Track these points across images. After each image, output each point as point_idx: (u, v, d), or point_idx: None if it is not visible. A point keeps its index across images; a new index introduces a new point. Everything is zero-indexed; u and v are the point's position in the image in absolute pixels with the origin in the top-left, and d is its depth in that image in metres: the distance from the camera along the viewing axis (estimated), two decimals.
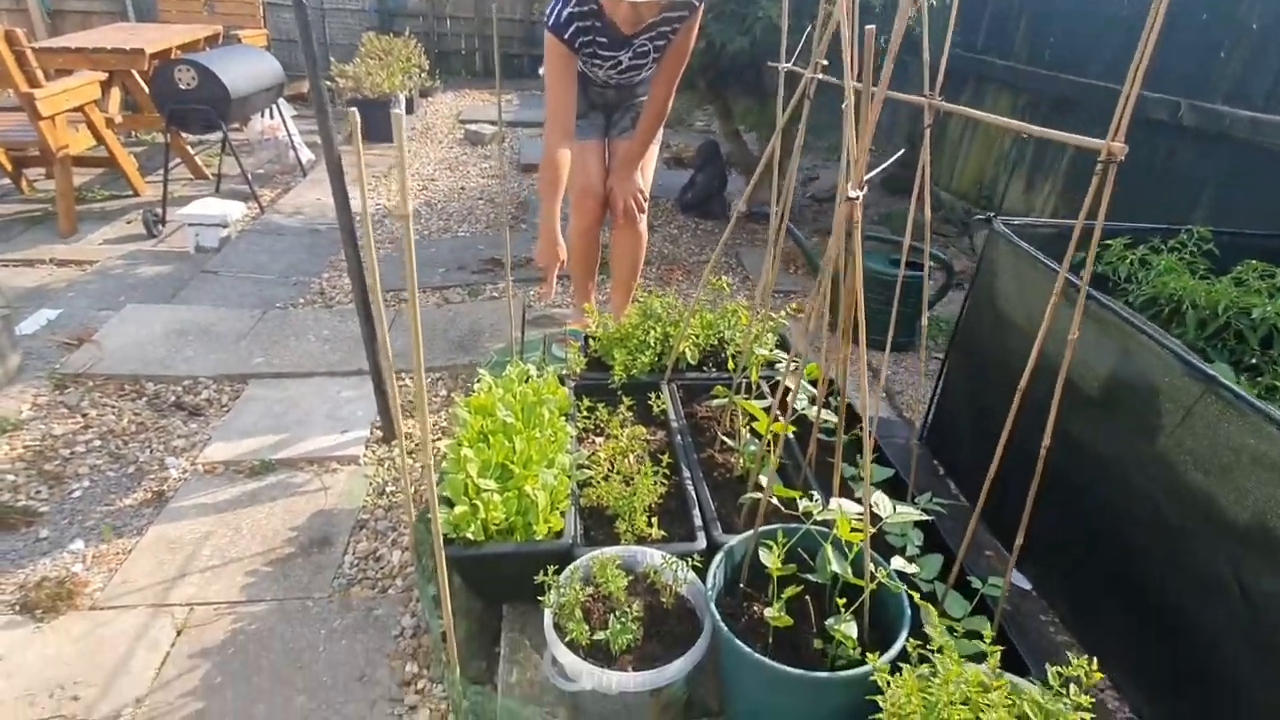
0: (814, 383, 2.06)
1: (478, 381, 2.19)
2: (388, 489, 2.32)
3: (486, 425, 1.93)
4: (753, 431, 1.96)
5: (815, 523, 1.56)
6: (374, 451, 2.48)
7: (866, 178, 1.18)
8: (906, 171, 5.40)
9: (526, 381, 2.17)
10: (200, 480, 2.32)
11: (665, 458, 1.92)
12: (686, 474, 1.92)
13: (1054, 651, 1.76)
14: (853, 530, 1.42)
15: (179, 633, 1.79)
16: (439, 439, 2.54)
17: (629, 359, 2.29)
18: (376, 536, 2.13)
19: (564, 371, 2.31)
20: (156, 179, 4.66)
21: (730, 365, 2.30)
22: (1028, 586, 1.99)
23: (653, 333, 2.33)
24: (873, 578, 1.41)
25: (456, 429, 1.91)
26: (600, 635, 1.42)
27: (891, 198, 5.34)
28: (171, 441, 2.50)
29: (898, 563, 1.44)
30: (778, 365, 2.15)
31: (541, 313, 3.38)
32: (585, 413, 2.15)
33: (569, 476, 1.82)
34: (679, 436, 2.07)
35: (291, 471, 2.37)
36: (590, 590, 1.51)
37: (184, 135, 5.01)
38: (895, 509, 1.56)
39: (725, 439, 2.08)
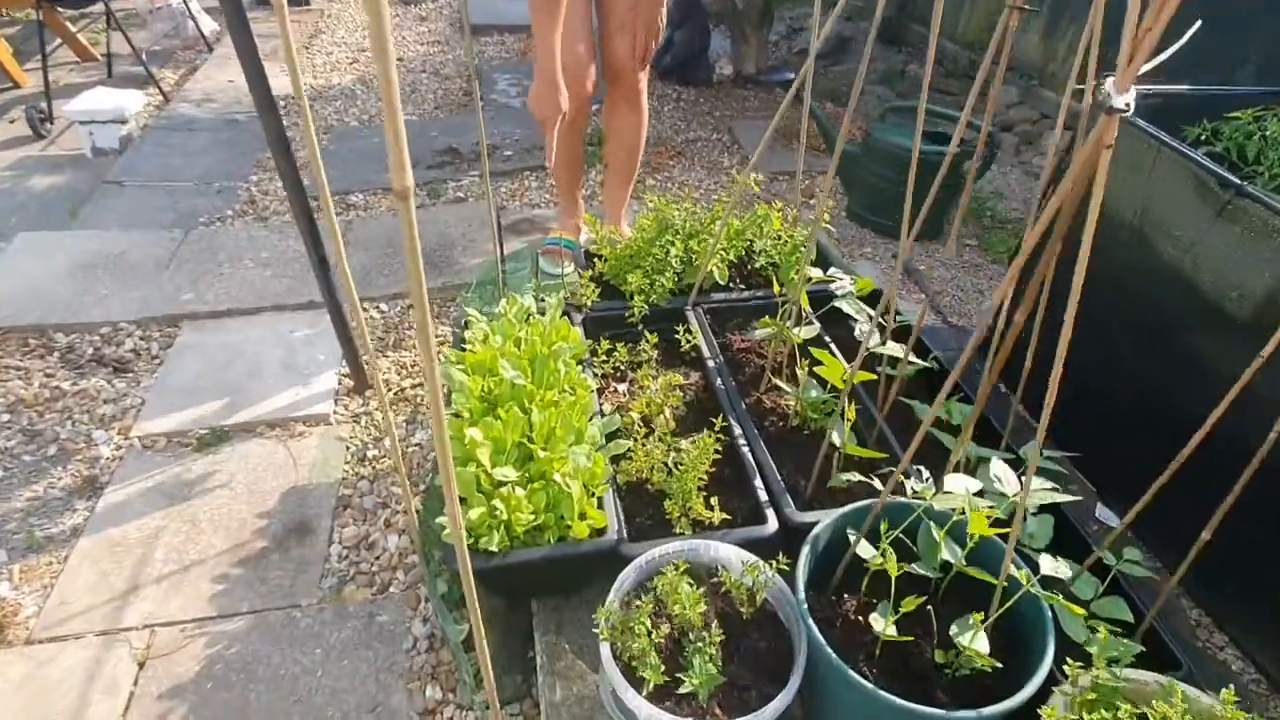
0: (864, 299, 1.72)
1: (465, 321, 1.79)
2: (369, 453, 1.96)
3: (491, 388, 1.56)
4: (813, 372, 1.63)
5: (915, 496, 1.27)
6: (346, 406, 2.10)
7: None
8: (899, 14, 4.81)
9: (528, 321, 1.78)
10: (139, 458, 1.92)
11: (707, 403, 1.59)
12: (736, 429, 1.60)
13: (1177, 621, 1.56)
14: (991, 524, 1.12)
15: (141, 666, 1.47)
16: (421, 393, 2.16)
17: (646, 283, 1.90)
18: (365, 517, 1.80)
19: (568, 299, 1.92)
20: (35, 66, 3.86)
21: (774, 285, 1.93)
22: (1115, 523, 1.77)
23: (673, 249, 1.93)
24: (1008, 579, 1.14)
25: (455, 396, 1.54)
26: (683, 679, 1.13)
27: (882, 49, 4.77)
28: (97, 409, 2.07)
29: (1046, 564, 1.17)
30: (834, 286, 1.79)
31: (520, 215, 2.91)
32: (603, 355, 1.78)
33: (602, 451, 1.48)
34: (718, 379, 1.73)
35: (250, 439, 1.98)
36: (651, 603, 1.21)
37: (59, 9, 4.13)
38: (1026, 483, 1.27)
39: (774, 379, 1.75)
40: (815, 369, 1.58)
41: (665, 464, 1.50)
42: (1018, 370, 1.52)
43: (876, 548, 1.23)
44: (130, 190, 3.18)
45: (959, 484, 1.23)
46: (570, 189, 2.42)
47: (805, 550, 1.27)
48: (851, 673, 1.12)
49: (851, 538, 1.28)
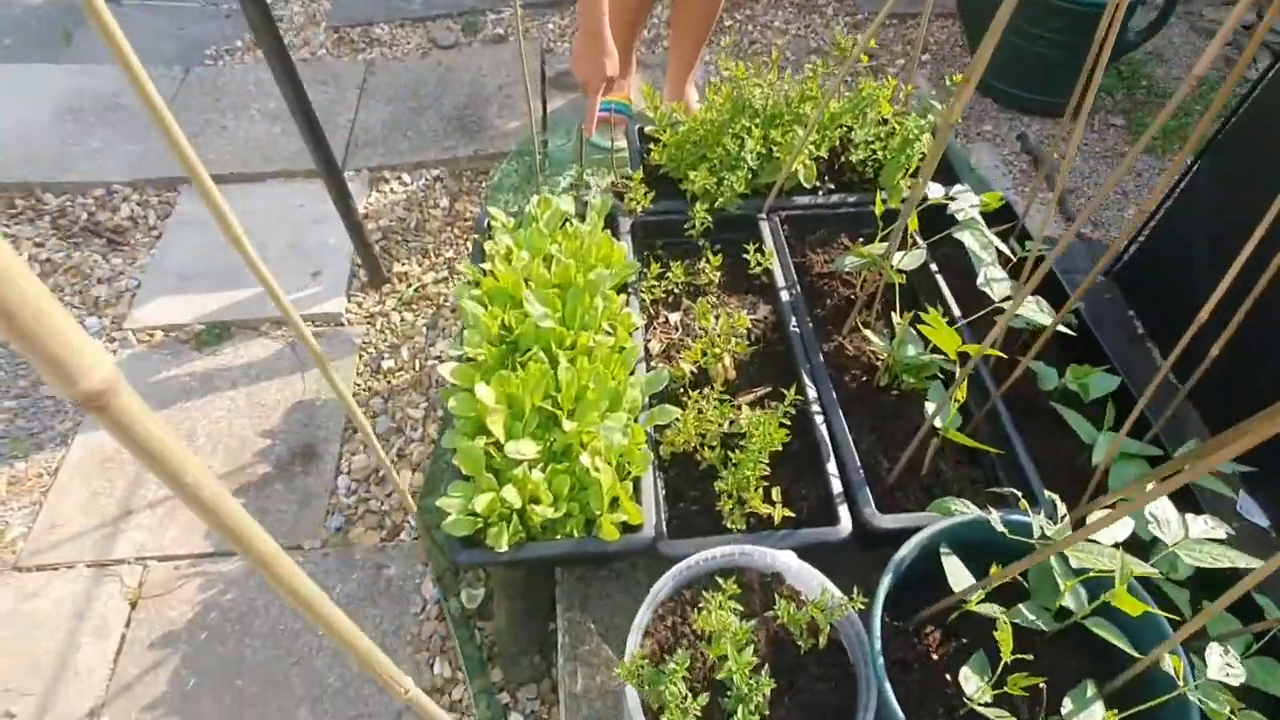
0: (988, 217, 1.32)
1: (486, 224, 1.47)
2: (384, 362, 1.73)
3: (512, 323, 1.27)
4: (918, 320, 1.28)
5: (1042, 539, 0.97)
6: (360, 304, 1.84)
7: None
8: None
9: (563, 227, 1.44)
10: (134, 356, 1.73)
11: (777, 346, 1.27)
12: (811, 390, 1.29)
13: None
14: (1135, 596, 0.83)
15: (133, 606, 1.36)
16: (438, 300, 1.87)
17: (712, 183, 1.51)
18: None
19: (614, 190, 1.56)
20: None
21: (874, 191, 1.52)
22: (1264, 523, 1.45)
23: (749, 140, 1.51)
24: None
25: (468, 334, 1.25)
26: None
27: None
28: (90, 289, 1.86)
29: (1215, 662, 0.87)
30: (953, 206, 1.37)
31: (566, 69, 2.43)
32: (653, 279, 1.45)
33: (644, 418, 1.20)
34: (793, 318, 1.40)
35: (254, 338, 1.76)
36: (685, 661, 0.98)
37: None
38: (1192, 525, 0.95)
39: (862, 322, 1.41)
40: (918, 324, 1.23)
41: (719, 434, 1.22)
42: (1177, 318, 1.15)
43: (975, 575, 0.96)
44: (129, 11, 2.78)
45: (1105, 530, 0.93)
46: (627, 43, 1.95)
47: (885, 579, 1.01)
48: None
49: (948, 568, 1.01)
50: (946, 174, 1.68)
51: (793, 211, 1.59)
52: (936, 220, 1.34)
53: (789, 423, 1.21)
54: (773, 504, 1.14)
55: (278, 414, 1.62)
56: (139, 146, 2.17)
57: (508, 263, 1.35)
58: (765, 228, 1.54)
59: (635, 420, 1.18)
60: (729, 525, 1.15)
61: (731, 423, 1.23)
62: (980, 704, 0.92)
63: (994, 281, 1.23)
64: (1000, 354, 1.19)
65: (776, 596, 1.02)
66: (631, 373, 1.25)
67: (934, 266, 1.47)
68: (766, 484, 1.16)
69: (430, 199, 2.08)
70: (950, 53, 2.54)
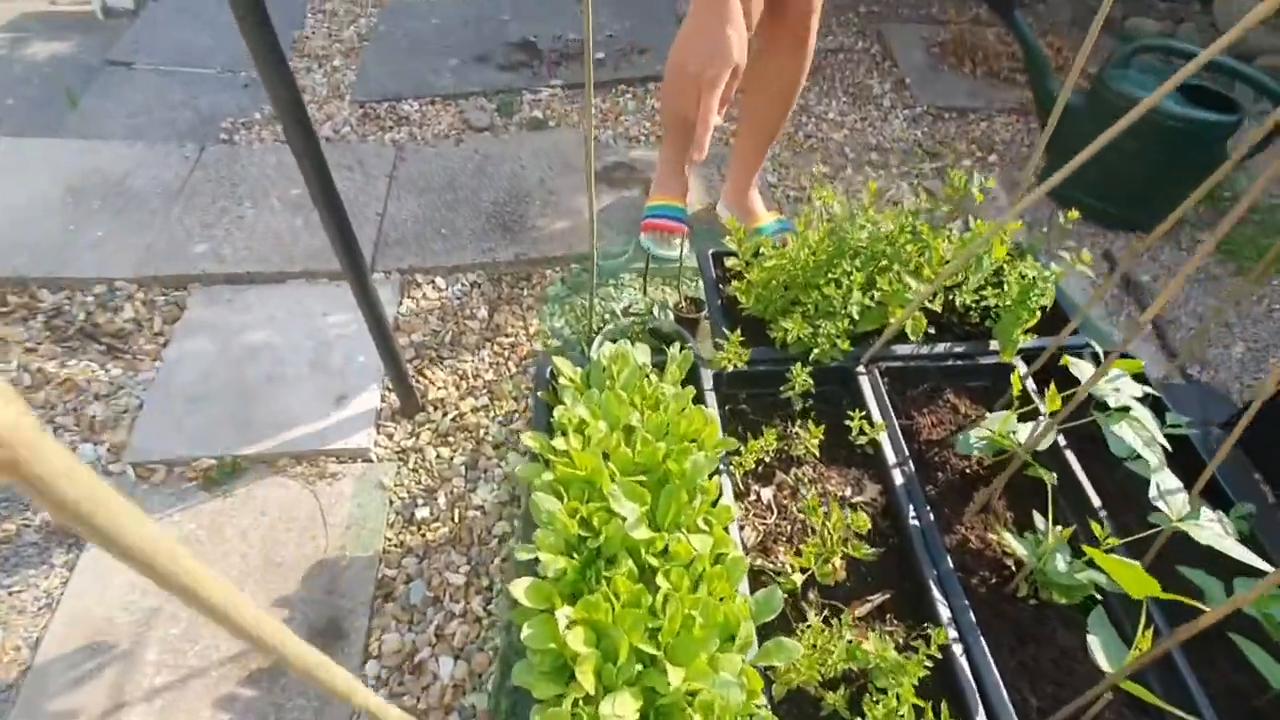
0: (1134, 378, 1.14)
1: (550, 372, 1.28)
2: (418, 511, 1.52)
3: (593, 521, 1.07)
4: (1081, 536, 1.08)
5: None
6: (390, 436, 1.64)
7: None
8: None
9: (645, 382, 1.25)
10: (132, 493, 1.51)
11: (889, 535, 1.08)
12: (941, 605, 1.09)
13: None
14: None
15: None
16: (481, 438, 1.67)
17: (807, 333, 1.33)
18: (411, 618, 1.38)
19: (678, 315, 1.37)
20: None
21: (987, 345, 1.35)
22: None
23: (852, 290, 1.34)
24: None
25: (540, 534, 1.05)
26: None
27: None
28: (86, 408, 1.65)
29: None
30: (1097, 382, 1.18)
31: (615, 156, 2.27)
32: (752, 453, 1.26)
33: (756, 657, 1.00)
34: (910, 506, 1.20)
35: (269, 476, 1.55)
36: None
37: None
38: None
39: (992, 517, 1.22)
40: (1090, 557, 1.04)
41: (842, 669, 1.01)
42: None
43: None
44: (141, 76, 2.61)
45: None
46: (683, 152, 1.79)
47: None
48: None
49: None
50: (1055, 315, 1.51)
51: (893, 363, 1.41)
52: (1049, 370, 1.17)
53: (912, 623, 1.01)
54: None
55: (296, 576, 1.41)
56: (147, 237, 1.97)
57: (582, 437, 1.16)
58: (865, 384, 1.36)
59: (748, 662, 0.98)
60: None
61: (854, 657, 1.02)
62: None
63: (1168, 495, 1.04)
64: (1178, 599, 0.99)
65: None
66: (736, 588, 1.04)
67: (1061, 439, 1.29)
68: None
69: (467, 308, 1.89)
70: (1018, 153, 2.40)
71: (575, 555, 1.05)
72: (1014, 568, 1.18)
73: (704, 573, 1.02)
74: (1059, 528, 1.08)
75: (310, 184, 1.22)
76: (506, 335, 1.83)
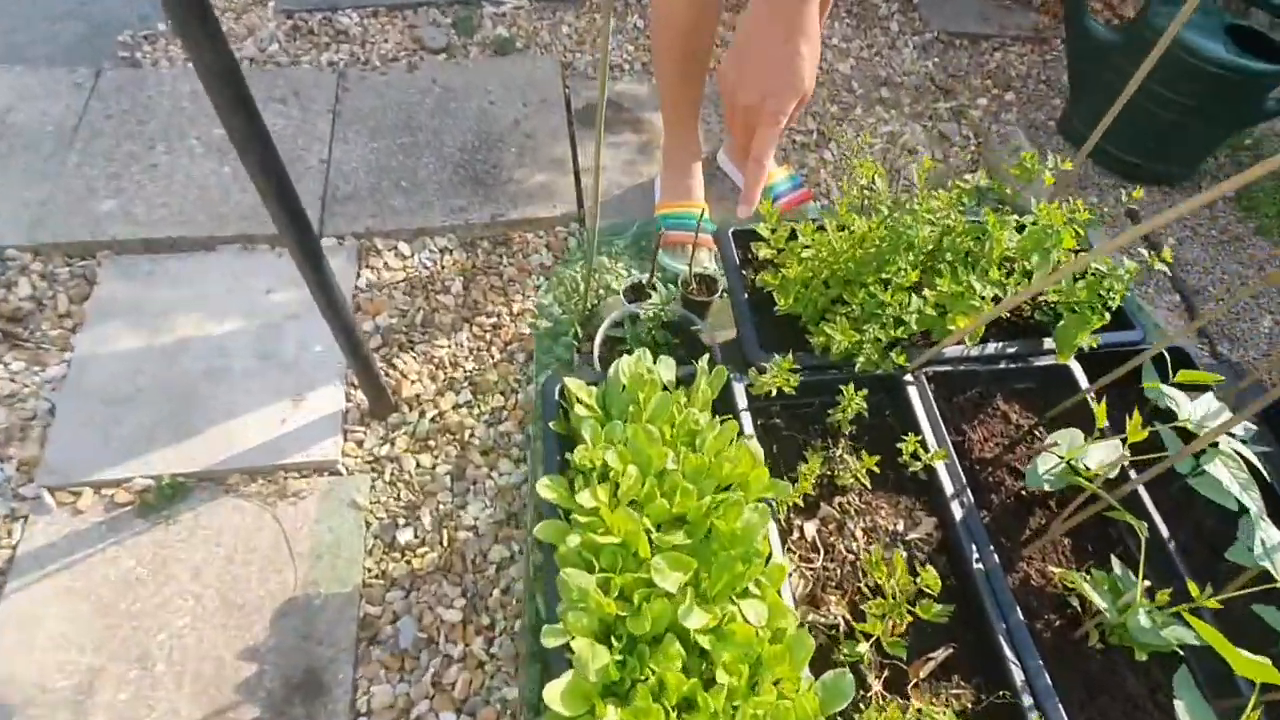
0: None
1: (559, 390, 1.08)
2: (399, 533, 1.33)
3: (629, 593, 0.90)
4: (1182, 599, 0.98)
5: None
6: (360, 442, 1.42)
7: None
8: None
9: (676, 409, 1.06)
10: (53, 524, 1.28)
11: (944, 573, 0.96)
12: (1015, 666, 0.99)
13: None
14: None
15: None
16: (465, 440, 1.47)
17: (854, 340, 1.15)
18: (402, 665, 1.21)
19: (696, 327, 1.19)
20: None
21: (1041, 344, 1.20)
22: None
23: (904, 280, 1.15)
24: None
25: (568, 614, 0.88)
26: None
27: None
28: None
29: None
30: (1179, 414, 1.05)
31: (597, 89, 1.97)
32: (802, 487, 1.10)
33: None
34: (973, 546, 1.08)
35: (220, 497, 1.33)
36: None
37: None
38: None
39: (1056, 560, 1.10)
40: (1176, 612, 0.93)
41: None
42: None
43: None
44: None
45: None
46: (687, 118, 1.53)
47: None
48: None
49: None
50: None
51: (940, 367, 1.25)
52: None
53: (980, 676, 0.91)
54: None
55: (263, 620, 1.22)
56: (38, 193, 1.63)
57: (608, 486, 0.98)
58: (914, 395, 1.20)
59: None
60: None
61: None
62: None
63: (1274, 552, 0.93)
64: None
65: None
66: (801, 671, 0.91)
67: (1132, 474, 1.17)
68: None
69: (438, 280, 1.63)
70: (1035, 90, 2.20)
71: (614, 639, 0.89)
72: (1079, 608, 1.08)
73: (763, 656, 0.88)
74: (1147, 582, 0.97)
75: (229, 122, 0.94)
76: (486, 314, 1.59)
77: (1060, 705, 0.96)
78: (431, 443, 1.43)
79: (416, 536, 1.33)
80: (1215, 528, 1.23)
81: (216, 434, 1.37)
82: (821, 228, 1.25)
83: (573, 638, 0.86)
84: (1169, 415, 1.10)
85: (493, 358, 1.54)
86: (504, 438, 1.44)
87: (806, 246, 1.21)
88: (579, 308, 1.53)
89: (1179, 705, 0.93)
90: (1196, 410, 0.99)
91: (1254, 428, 1.03)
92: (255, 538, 1.29)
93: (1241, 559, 1.01)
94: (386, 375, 1.47)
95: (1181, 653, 0.98)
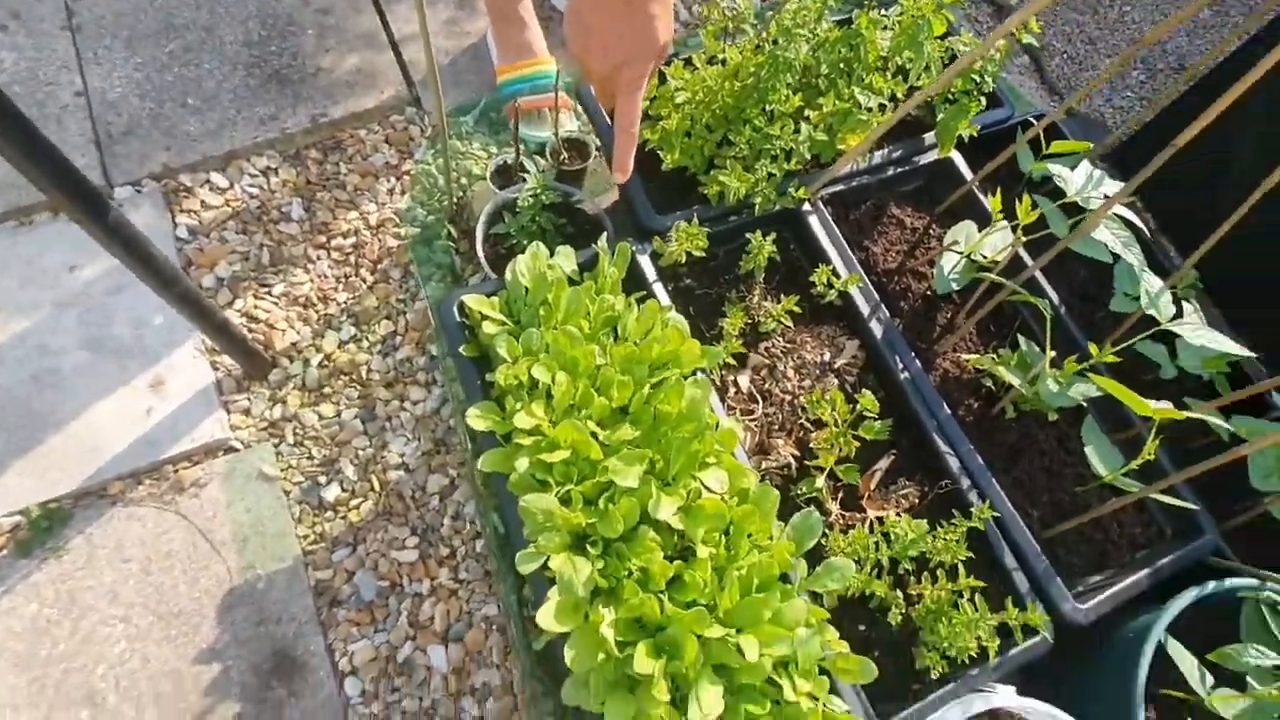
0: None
1: (457, 306, 1.00)
2: (324, 492, 1.24)
3: (594, 498, 0.89)
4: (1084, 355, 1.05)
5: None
6: (248, 411, 1.28)
7: None
8: None
9: (589, 301, 1.00)
10: None
11: (874, 387, 1.03)
12: (950, 456, 1.06)
13: None
14: None
15: None
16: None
17: (748, 182, 1.10)
18: (374, 618, 1.18)
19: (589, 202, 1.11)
20: None
21: (922, 143, 1.19)
22: None
23: (784, 108, 1.09)
24: None
25: (535, 535, 0.85)
26: None
27: None
28: None
29: None
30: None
31: None
32: (718, 335, 1.08)
33: (803, 586, 0.92)
34: (896, 359, 1.12)
35: (109, 512, 1.19)
36: None
37: None
38: None
39: (972, 344, 1.16)
40: (1078, 372, 1.02)
41: (881, 561, 0.98)
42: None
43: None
44: None
45: None
46: None
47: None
48: None
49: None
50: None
51: (833, 188, 1.23)
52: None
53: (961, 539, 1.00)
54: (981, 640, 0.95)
55: (208, 620, 1.14)
56: None
57: (545, 402, 0.92)
58: (816, 225, 1.18)
59: (805, 597, 0.91)
60: (933, 673, 0.96)
61: (889, 540, 0.99)
62: None
63: (1160, 301, 1.01)
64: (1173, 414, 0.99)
65: None
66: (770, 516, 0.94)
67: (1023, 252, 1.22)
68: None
69: (273, 208, 1.42)
70: None
71: (589, 545, 0.88)
72: (994, 388, 1.16)
73: (733, 519, 0.90)
74: (1049, 354, 1.04)
75: None
76: (342, 234, 1.42)
77: (994, 480, 1.06)
78: (327, 389, 1.31)
79: (344, 490, 1.25)
80: (1087, 279, 1.34)
81: (74, 446, 1.19)
82: (691, 64, 1.15)
83: (548, 558, 0.84)
84: (1045, 182, 1.14)
85: (365, 281, 1.39)
86: (405, 364, 1.33)
87: (680, 89, 1.11)
88: (445, 205, 1.39)
89: (1089, 450, 1.05)
90: (1077, 181, 1.02)
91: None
92: (165, 541, 1.17)
93: (1122, 307, 1.11)
94: (250, 330, 1.31)
95: (1085, 405, 1.09)
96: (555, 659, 0.84)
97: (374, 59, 1.54)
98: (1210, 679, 0.94)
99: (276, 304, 1.35)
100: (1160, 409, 0.91)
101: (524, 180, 1.20)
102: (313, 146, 1.48)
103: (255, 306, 1.34)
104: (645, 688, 0.80)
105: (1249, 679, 0.94)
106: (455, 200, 1.40)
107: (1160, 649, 0.95)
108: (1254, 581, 1.00)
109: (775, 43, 1.07)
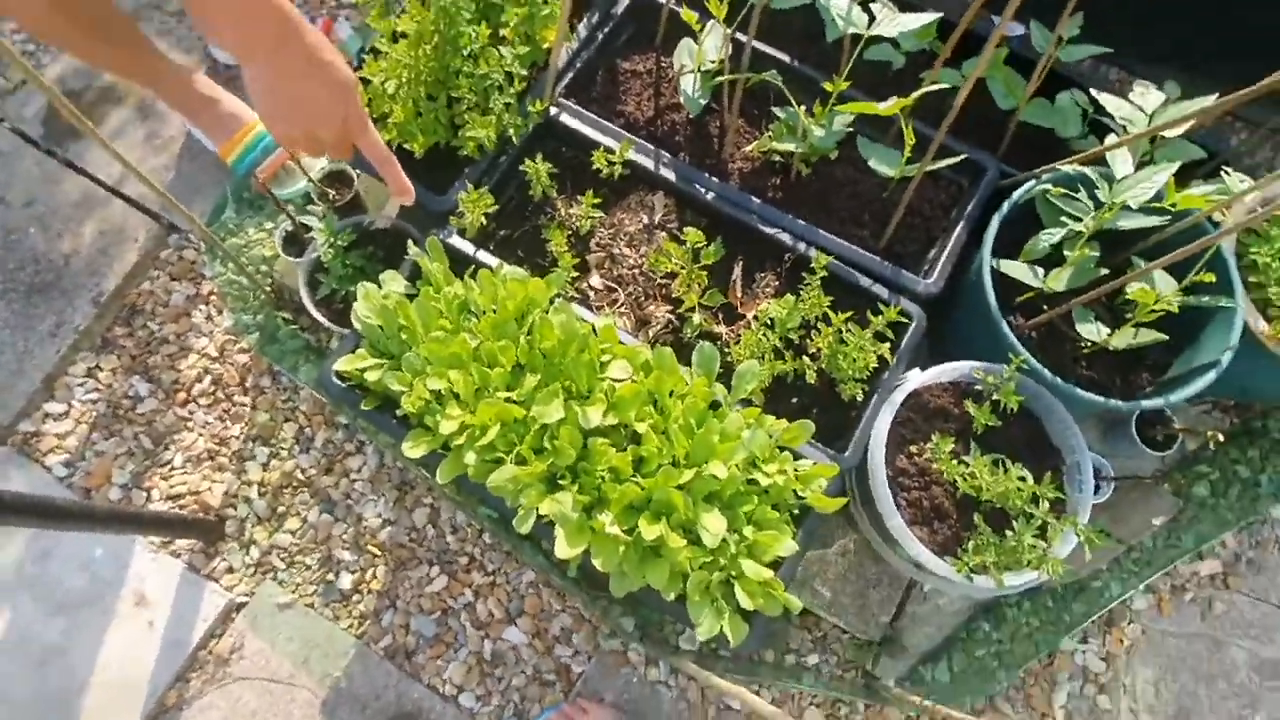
0: None
1: (334, 373, 1.08)
2: (339, 585, 1.34)
3: (531, 454, 1.02)
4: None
5: None
6: (231, 569, 1.34)
7: None
8: None
9: (446, 315, 1.09)
10: None
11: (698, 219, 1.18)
12: (778, 234, 1.22)
13: None
14: None
15: None
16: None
17: (488, 124, 1.17)
18: (448, 644, 1.32)
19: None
20: None
21: None
22: None
23: (478, 36, 1.15)
24: None
25: (512, 502, 0.99)
26: None
27: None
28: None
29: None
30: None
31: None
32: (553, 259, 1.19)
33: (733, 398, 1.09)
34: (698, 187, 1.24)
35: (181, 714, 1.26)
36: None
37: None
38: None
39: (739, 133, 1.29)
40: (837, 111, 1.16)
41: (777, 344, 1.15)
42: None
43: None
44: None
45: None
46: (143, 63, 1.29)
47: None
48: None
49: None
50: None
51: (566, 82, 1.31)
52: None
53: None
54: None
55: None
56: None
57: (453, 400, 1.03)
58: (570, 120, 1.27)
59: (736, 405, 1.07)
60: (858, 398, 1.15)
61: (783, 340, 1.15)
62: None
63: (852, 16, 1.15)
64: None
65: None
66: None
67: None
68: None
69: (119, 398, 1.42)
70: None
71: (562, 481, 1.02)
72: (782, 159, 1.31)
73: (651, 391, 1.05)
74: (801, 108, 1.19)
75: None
76: (195, 380, 1.44)
77: (820, 231, 1.22)
78: (280, 509, 1.37)
79: (353, 572, 1.35)
80: (803, 25, 1.46)
81: (112, 694, 1.25)
82: (377, 52, 1.19)
83: (544, 518, 0.97)
84: None
85: (245, 404, 1.43)
86: (328, 445, 1.41)
87: (386, 80, 1.16)
88: (263, 299, 1.42)
89: (872, 162, 1.21)
90: None
91: None
92: (243, 707, 1.27)
93: (835, 34, 1.24)
94: (182, 508, 1.35)
95: (851, 129, 1.25)
96: (594, 573, 0.99)
97: (107, 215, 1.50)
98: (1040, 270, 1.16)
99: (186, 472, 1.39)
100: (890, 105, 1.07)
101: (314, 237, 1.25)
102: (113, 325, 1.46)
103: (171, 487, 1.37)
104: (665, 546, 0.96)
105: (1065, 252, 1.16)
106: (269, 289, 1.43)
107: (996, 272, 1.16)
108: (1033, 183, 1.21)
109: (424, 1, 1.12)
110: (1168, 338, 1.12)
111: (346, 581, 1.34)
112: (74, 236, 1.49)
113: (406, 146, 1.19)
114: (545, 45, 1.22)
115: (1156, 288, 1.09)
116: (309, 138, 0.78)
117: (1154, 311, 1.08)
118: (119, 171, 1.51)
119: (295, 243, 1.34)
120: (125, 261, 1.47)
